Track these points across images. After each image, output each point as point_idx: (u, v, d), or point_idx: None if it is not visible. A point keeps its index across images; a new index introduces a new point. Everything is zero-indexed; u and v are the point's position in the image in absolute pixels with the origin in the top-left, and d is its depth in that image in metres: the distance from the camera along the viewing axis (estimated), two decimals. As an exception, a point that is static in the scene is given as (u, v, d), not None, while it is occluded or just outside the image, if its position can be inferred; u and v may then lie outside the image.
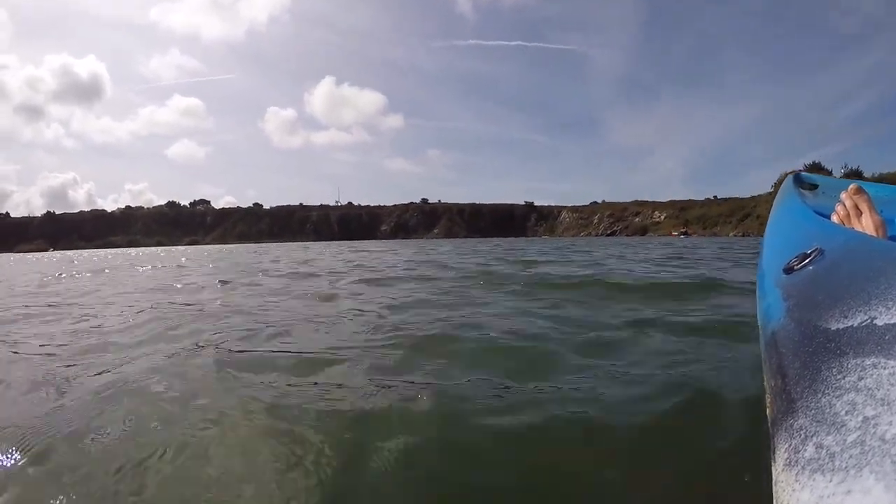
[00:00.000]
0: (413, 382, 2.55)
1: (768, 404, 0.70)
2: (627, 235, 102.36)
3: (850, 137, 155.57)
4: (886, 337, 0.58)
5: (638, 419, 2.07)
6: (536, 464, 1.78)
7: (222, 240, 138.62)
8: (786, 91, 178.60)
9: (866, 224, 1.34)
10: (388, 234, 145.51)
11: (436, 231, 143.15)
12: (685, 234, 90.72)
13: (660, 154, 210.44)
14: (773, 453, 0.60)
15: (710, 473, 1.71)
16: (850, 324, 0.65)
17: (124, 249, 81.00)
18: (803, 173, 2.38)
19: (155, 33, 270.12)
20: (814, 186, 2.23)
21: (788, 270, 0.98)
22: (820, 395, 0.58)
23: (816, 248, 0.96)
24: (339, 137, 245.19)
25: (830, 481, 0.47)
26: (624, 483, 1.67)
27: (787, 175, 2.36)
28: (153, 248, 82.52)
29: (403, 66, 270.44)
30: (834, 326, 0.67)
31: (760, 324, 1.00)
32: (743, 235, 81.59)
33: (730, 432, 1.95)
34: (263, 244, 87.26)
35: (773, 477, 0.58)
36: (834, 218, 1.41)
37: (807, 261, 0.95)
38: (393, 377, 2.63)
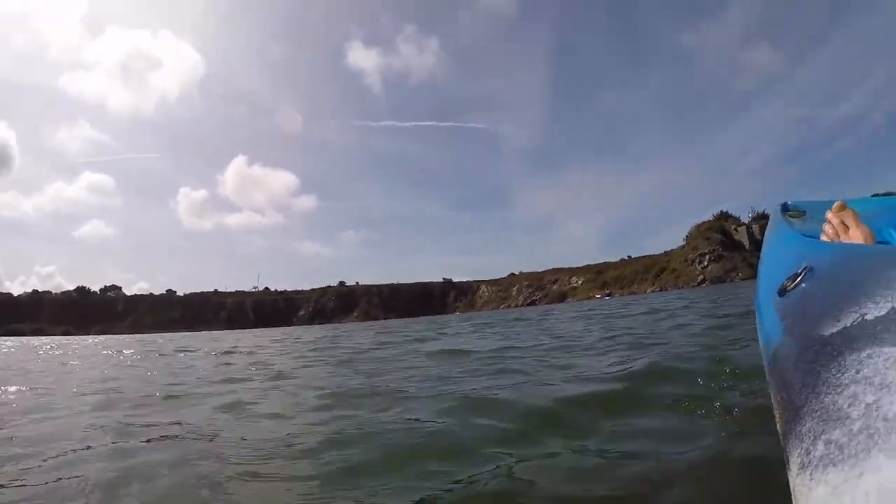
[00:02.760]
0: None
1: (777, 419, 0.71)
2: (547, 303, 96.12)
3: (754, 188, 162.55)
4: (878, 328, 0.60)
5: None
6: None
7: (134, 329, 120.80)
8: (690, 151, 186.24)
9: (854, 237, 1.38)
10: (306, 319, 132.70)
11: (355, 314, 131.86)
12: (609, 295, 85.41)
13: (574, 222, 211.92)
14: (787, 462, 0.60)
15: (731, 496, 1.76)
16: (842, 325, 0.66)
17: (25, 339, 64.73)
18: (790, 202, 2.33)
19: (64, 103, 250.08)
20: (801, 213, 2.24)
21: (782, 292, 0.99)
22: (823, 396, 0.59)
23: (806, 267, 0.98)
24: (252, 220, 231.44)
25: (842, 470, 0.48)
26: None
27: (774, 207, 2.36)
28: (58, 338, 67.37)
29: (316, 146, 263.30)
30: (828, 332, 0.68)
31: (762, 348, 1.04)
32: (661, 290, 79.05)
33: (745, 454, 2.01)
34: (175, 333, 72.99)
35: (791, 485, 0.57)
36: (823, 238, 1.49)
37: (798, 279, 0.96)
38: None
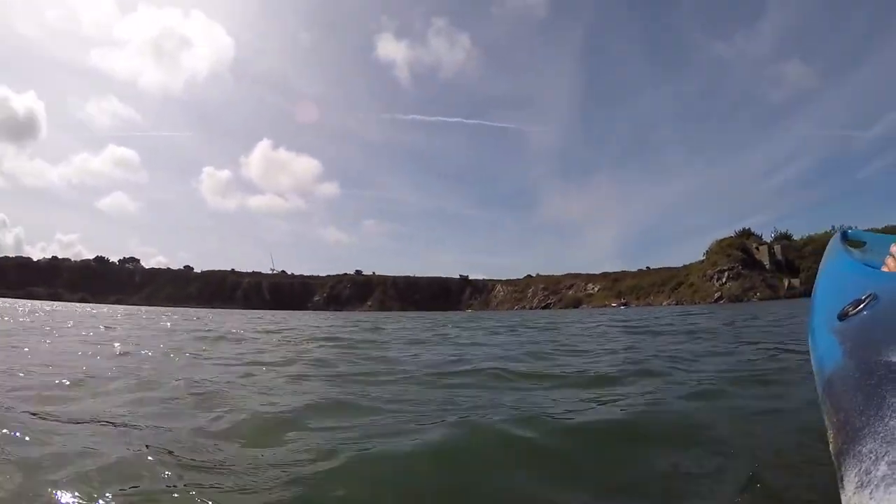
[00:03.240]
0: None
1: (831, 439, 0.70)
2: (561, 308, 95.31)
3: (777, 206, 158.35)
4: None
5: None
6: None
7: (149, 301, 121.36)
8: (716, 165, 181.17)
9: None
10: (320, 304, 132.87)
11: (369, 303, 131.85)
12: (625, 304, 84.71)
13: (594, 228, 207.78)
14: (842, 481, 0.60)
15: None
16: None
17: (40, 302, 66.70)
18: (850, 231, 2.32)
19: (94, 77, 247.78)
20: (861, 243, 2.24)
21: (843, 317, 0.98)
22: (888, 420, 0.59)
23: (871, 294, 0.96)
24: (274, 203, 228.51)
25: None
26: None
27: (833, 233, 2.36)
28: (72, 304, 68.59)
29: (341, 135, 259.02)
30: (895, 358, 0.68)
31: (816, 370, 1.02)
32: (677, 304, 77.53)
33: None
34: (190, 309, 73.83)
35: (845, 502, 0.58)
36: (884, 270, 1.47)
37: (861, 306, 0.95)
38: None
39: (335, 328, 15.92)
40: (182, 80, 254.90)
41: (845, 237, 2.24)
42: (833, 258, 1.89)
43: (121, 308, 53.32)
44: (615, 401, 3.92)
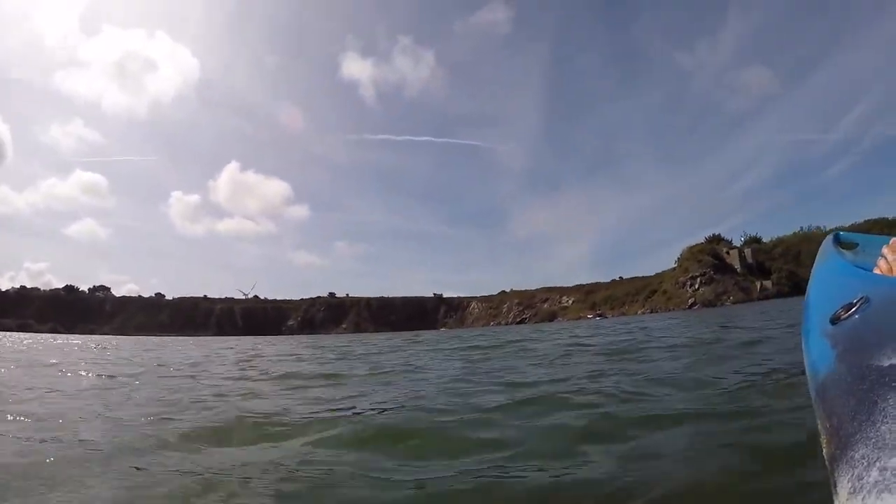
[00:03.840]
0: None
1: (824, 445, 0.70)
2: (537, 322, 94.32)
3: (744, 211, 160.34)
4: None
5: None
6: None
7: (121, 330, 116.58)
8: (684, 173, 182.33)
9: None
10: (295, 329, 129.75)
11: (344, 326, 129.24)
12: (600, 315, 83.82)
13: (566, 241, 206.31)
14: (835, 487, 0.60)
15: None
16: None
17: (10, 334, 63.98)
18: (842, 233, 2.18)
19: (58, 100, 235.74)
20: (853, 245, 2.09)
21: (835, 320, 0.98)
22: (879, 425, 0.59)
23: (862, 297, 0.96)
24: (244, 226, 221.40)
25: None
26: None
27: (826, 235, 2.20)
28: (43, 335, 65.63)
29: (309, 156, 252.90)
30: (887, 363, 0.68)
31: (809, 374, 1.01)
32: (651, 312, 77.35)
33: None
34: (163, 337, 70.41)
35: None
36: (876, 272, 1.45)
37: (853, 309, 0.94)
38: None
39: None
40: (147, 103, 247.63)
41: (837, 239, 2.04)
42: (825, 260, 1.75)
43: (75, 338, 49.97)
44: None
